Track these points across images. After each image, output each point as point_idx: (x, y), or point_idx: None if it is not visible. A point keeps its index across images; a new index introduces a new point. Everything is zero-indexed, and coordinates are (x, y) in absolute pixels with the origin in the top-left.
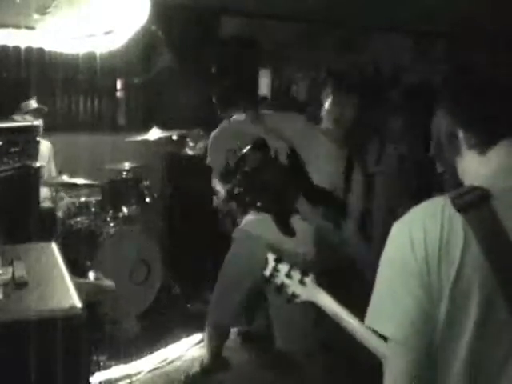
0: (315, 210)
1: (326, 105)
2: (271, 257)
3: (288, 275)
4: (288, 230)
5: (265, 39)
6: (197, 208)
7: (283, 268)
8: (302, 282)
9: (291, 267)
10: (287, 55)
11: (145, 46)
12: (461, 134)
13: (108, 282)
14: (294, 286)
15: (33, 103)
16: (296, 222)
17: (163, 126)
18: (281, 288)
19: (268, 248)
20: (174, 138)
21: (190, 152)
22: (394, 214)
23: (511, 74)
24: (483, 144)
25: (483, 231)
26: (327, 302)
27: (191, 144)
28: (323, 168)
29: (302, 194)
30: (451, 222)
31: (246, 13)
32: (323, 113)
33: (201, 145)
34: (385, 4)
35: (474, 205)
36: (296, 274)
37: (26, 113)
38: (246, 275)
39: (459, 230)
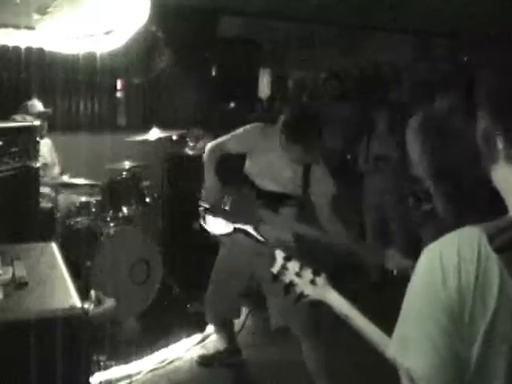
0: (275, 215)
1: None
2: (280, 254)
3: (298, 274)
4: (258, 239)
5: (265, 39)
6: (196, 208)
7: (293, 266)
8: (312, 282)
9: (302, 266)
10: (287, 55)
11: (145, 46)
12: (500, 144)
13: (109, 302)
14: (303, 286)
15: (38, 105)
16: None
17: (163, 126)
18: (288, 287)
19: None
20: (174, 137)
21: (189, 152)
22: (383, 211)
23: None
24: None
25: None
26: (339, 302)
27: (191, 144)
28: (279, 175)
29: (261, 204)
30: (487, 258)
31: (246, 13)
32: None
33: (201, 145)
34: (385, 4)
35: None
36: (307, 274)
37: (31, 115)
38: (242, 269)
39: (495, 268)
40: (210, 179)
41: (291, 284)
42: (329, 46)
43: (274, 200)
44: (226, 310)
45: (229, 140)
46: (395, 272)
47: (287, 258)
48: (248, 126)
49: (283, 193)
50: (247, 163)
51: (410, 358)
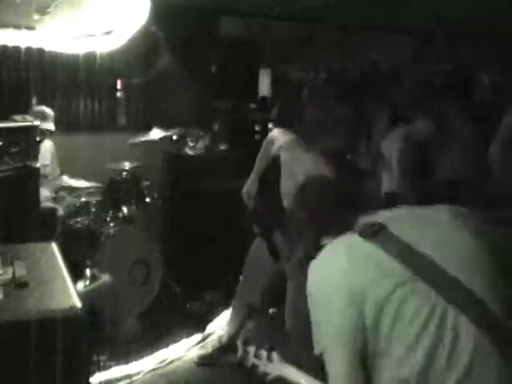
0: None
1: None
2: (239, 341)
3: (256, 355)
4: (273, 253)
5: (265, 39)
6: (196, 208)
7: (251, 350)
8: (269, 359)
9: (257, 347)
10: (287, 55)
11: (145, 46)
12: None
13: (104, 277)
14: (263, 365)
15: (47, 111)
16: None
17: (163, 126)
18: (253, 369)
19: None
20: (174, 138)
21: (189, 152)
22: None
23: None
24: None
25: (394, 249)
26: (293, 374)
27: (191, 144)
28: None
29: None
30: (358, 248)
31: (246, 13)
32: None
33: (201, 145)
34: (385, 4)
35: (378, 232)
36: (263, 353)
37: (41, 119)
38: (268, 261)
39: (371, 252)
40: (250, 180)
41: (253, 366)
42: (329, 45)
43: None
44: (253, 297)
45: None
46: None
47: (245, 343)
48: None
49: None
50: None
51: (323, 342)
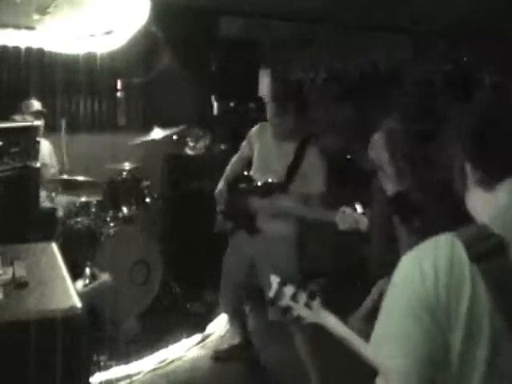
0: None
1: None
2: (275, 280)
3: (293, 298)
4: (252, 229)
5: (265, 39)
6: (196, 208)
7: (288, 291)
8: (308, 305)
9: (297, 290)
10: (287, 55)
11: (145, 46)
12: (468, 169)
13: (104, 277)
14: (299, 309)
15: (34, 104)
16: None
17: (163, 126)
18: (286, 311)
19: None
20: (174, 137)
21: (189, 152)
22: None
23: None
24: (490, 181)
25: (496, 284)
26: (334, 324)
27: (191, 144)
28: (271, 165)
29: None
30: (461, 263)
31: (246, 13)
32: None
33: (201, 145)
34: (385, 4)
35: (489, 255)
36: (302, 298)
37: (27, 114)
38: (243, 263)
39: (468, 273)
40: (220, 185)
41: (288, 308)
42: (329, 45)
43: (267, 189)
44: (233, 300)
45: (242, 146)
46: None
47: (282, 283)
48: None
49: (271, 181)
50: (253, 162)
51: (387, 354)
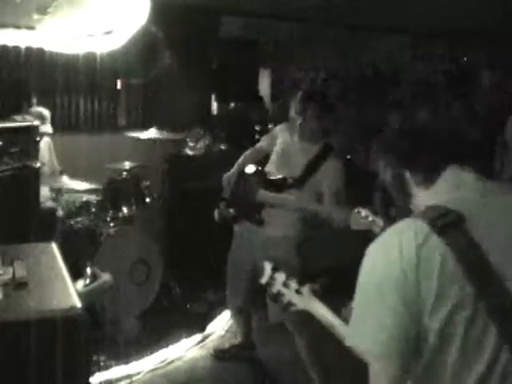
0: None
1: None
2: (268, 266)
3: (285, 284)
4: (257, 221)
5: (265, 39)
6: (196, 208)
7: (280, 277)
8: (298, 292)
9: (288, 276)
10: (287, 55)
11: (145, 46)
12: (407, 174)
13: (105, 276)
14: (290, 295)
15: (44, 112)
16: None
17: (163, 126)
18: (277, 296)
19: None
20: (174, 137)
21: (189, 152)
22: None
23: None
24: (427, 180)
25: (461, 251)
26: (322, 311)
27: (191, 144)
28: (290, 162)
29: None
30: (427, 242)
31: (246, 13)
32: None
33: (201, 145)
34: (385, 4)
35: (451, 227)
36: (293, 284)
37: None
38: (247, 261)
39: (435, 249)
40: (230, 171)
41: (279, 294)
42: (329, 45)
43: (281, 184)
44: (239, 298)
45: (262, 140)
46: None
47: (275, 269)
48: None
49: (285, 177)
50: (270, 158)
51: (359, 337)
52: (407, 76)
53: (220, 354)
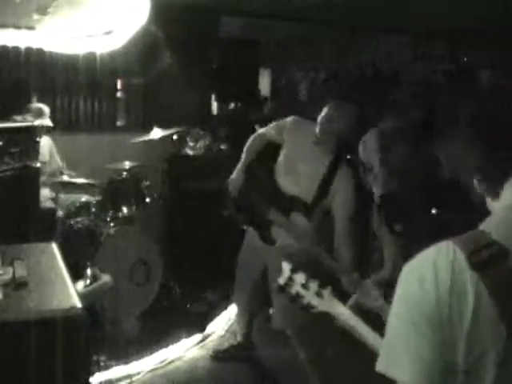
0: (286, 219)
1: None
2: (286, 266)
3: (304, 286)
4: (267, 239)
5: (265, 39)
6: (196, 208)
7: (299, 278)
8: (318, 294)
9: (308, 278)
10: (287, 55)
11: (145, 46)
12: (475, 182)
13: (105, 278)
14: (309, 297)
15: (44, 108)
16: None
17: (163, 126)
18: (295, 298)
19: None
20: (174, 137)
21: (189, 152)
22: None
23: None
24: (493, 188)
25: (499, 292)
26: (345, 314)
27: (191, 144)
28: (302, 169)
29: (273, 205)
30: (462, 272)
31: (246, 13)
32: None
33: (201, 145)
34: (385, 4)
35: (490, 263)
36: (313, 286)
37: (38, 116)
38: (257, 262)
39: (469, 282)
40: (237, 170)
41: (298, 295)
42: (329, 45)
43: (288, 203)
44: (245, 297)
45: (270, 127)
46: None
47: (293, 270)
48: (288, 118)
49: (297, 196)
50: (278, 159)
51: (396, 368)
52: (407, 76)
53: (220, 355)
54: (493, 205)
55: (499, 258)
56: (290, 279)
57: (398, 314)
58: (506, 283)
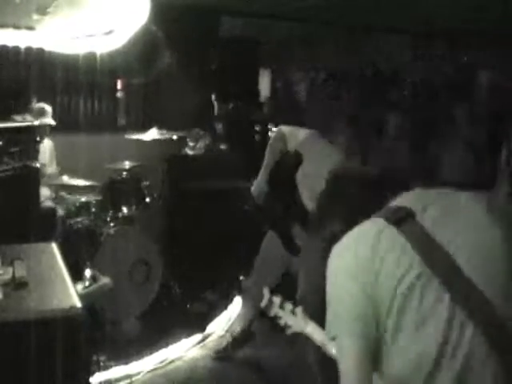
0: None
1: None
2: (266, 290)
3: (281, 306)
4: (291, 249)
5: (265, 39)
6: (196, 208)
7: (276, 300)
8: (293, 313)
9: (283, 300)
10: (287, 55)
11: (145, 46)
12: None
13: (105, 279)
14: (286, 317)
15: (46, 107)
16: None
17: (163, 126)
18: (274, 319)
19: None
20: (174, 137)
21: (189, 152)
22: None
23: None
24: None
25: (417, 240)
26: (315, 332)
27: (191, 144)
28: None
29: (297, 222)
30: (385, 236)
31: (246, 13)
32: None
33: (201, 145)
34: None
35: (403, 220)
36: (288, 306)
37: (41, 115)
38: (277, 259)
39: (393, 239)
40: (261, 175)
41: (276, 316)
42: (329, 45)
43: (305, 216)
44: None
45: (288, 131)
46: None
47: (271, 292)
48: (305, 131)
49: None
50: (298, 172)
51: (338, 328)
52: (407, 76)
53: (220, 354)
54: None
55: (408, 217)
56: (270, 301)
57: (333, 288)
58: (419, 233)
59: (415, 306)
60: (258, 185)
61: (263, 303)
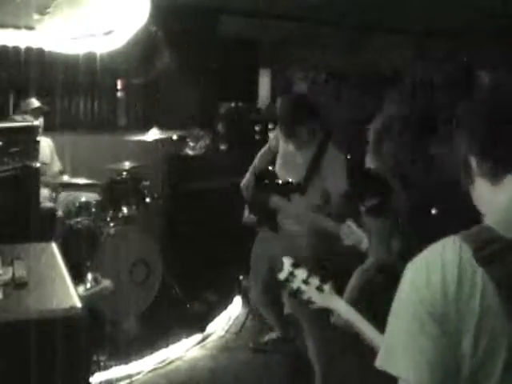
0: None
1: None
2: (287, 261)
3: (305, 281)
4: (274, 228)
5: (265, 39)
6: (196, 208)
7: (300, 274)
8: (319, 289)
9: (309, 274)
10: (287, 55)
11: (145, 46)
12: (474, 162)
13: (106, 283)
14: (310, 292)
15: (34, 102)
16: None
17: (163, 126)
18: (296, 293)
19: None
20: (174, 137)
21: (189, 152)
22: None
23: None
24: (498, 172)
25: (505, 288)
26: (345, 310)
27: (191, 144)
28: (292, 164)
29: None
30: (470, 267)
31: (246, 13)
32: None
33: (201, 145)
34: (385, 4)
35: (497, 257)
36: (314, 281)
37: (26, 112)
38: (265, 260)
39: (477, 278)
40: (246, 177)
41: (298, 290)
42: (329, 45)
43: (286, 189)
44: (261, 295)
45: (270, 140)
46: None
47: (295, 265)
48: None
49: (292, 180)
50: (277, 157)
51: (398, 365)
52: (407, 76)
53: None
54: (490, 195)
55: (504, 253)
56: (291, 274)
57: (401, 310)
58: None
59: (497, 365)
60: (245, 181)
61: (283, 275)
